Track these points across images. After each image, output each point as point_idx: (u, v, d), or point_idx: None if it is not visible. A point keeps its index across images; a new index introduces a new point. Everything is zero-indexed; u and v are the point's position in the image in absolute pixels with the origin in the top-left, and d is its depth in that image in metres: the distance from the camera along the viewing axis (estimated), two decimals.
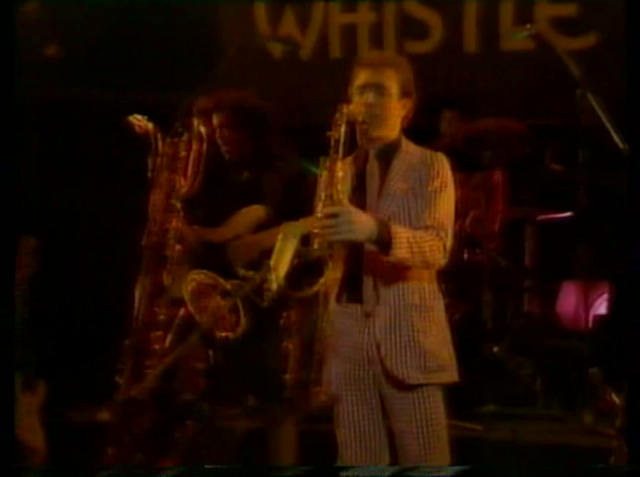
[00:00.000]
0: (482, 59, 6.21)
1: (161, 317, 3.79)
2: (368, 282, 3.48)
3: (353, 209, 3.34)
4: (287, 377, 3.32)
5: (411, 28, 6.35)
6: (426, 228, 3.44)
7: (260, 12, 6.58)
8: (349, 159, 3.63)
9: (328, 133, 3.40)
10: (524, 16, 5.98)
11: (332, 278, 3.38)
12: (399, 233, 3.34)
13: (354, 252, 3.47)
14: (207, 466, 3.25)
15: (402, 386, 3.47)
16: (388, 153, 3.57)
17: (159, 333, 3.75)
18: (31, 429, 4.80)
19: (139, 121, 3.95)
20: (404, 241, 3.34)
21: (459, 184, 5.78)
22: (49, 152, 6.01)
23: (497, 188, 5.93)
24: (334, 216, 3.28)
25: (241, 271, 3.30)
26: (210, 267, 3.80)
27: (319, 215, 3.30)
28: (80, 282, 5.91)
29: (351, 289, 3.50)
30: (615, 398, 3.19)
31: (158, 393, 3.64)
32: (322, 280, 3.22)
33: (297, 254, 3.22)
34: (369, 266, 3.47)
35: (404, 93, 3.58)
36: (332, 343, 3.49)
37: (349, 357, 3.51)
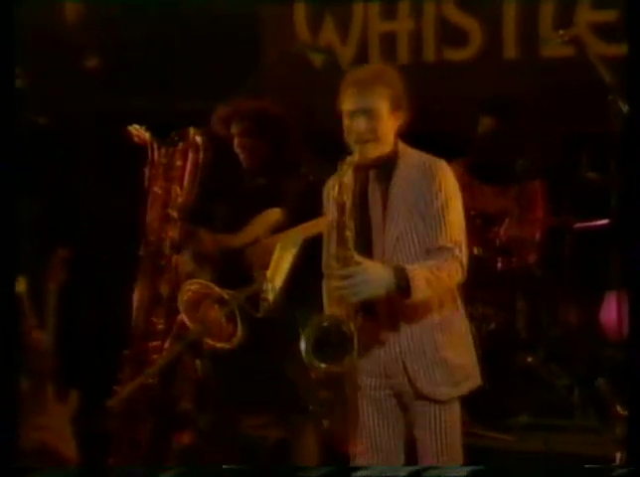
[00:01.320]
0: (521, 65, 6.18)
1: (159, 327, 3.83)
2: (383, 304, 3.44)
3: (366, 266, 3.32)
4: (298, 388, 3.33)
5: (451, 35, 6.34)
6: (439, 248, 3.42)
7: (300, 20, 6.63)
8: (350, 182, 3.53)
9: (333, 198, 3.40)
10: (564, 21, 5.94)
11: None
12: (416, 276, 3.32)
13: None
14: (211, 466, 3.28)
15: (434, 401, 3.49)
16: (386, 170, 3.53)
17: (157, 343, 3.79)
18: (63, 439, 4.87)
19: (137, 131, 4.00)
20: (423, 283, 3.34)
21: (495, 193, 5.89)
22: (85, 163, 6.12)
23: (536, 196, 5.91)
24: (349, 276, 3.27)
25: (259, 274, 3.32)
26: (229, 272, 3.85)
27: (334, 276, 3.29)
28: (112, 292, 6.00)
29: (371, 306, 3.46)
30: (620, 409, 3.16)
31: (155, 401, 3.68)
32: (351, 355, 3.19)
33: (296, 264, 3.23)
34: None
35: (396, 107, 3.54)
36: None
37: (367, 371, 3.52)
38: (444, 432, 3.47)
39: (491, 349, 5.57)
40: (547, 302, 5.84)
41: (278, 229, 4.32)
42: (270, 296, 3.15)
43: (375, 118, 3.47)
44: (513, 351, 5.53)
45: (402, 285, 3.30)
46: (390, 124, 3.52)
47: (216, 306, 3.21)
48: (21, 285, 4.55)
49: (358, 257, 3.31)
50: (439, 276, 3.36)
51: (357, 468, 3.49)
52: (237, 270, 3.97)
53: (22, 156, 4.87)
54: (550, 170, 5.74)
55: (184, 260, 4.28)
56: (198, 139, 4.06)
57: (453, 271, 3.41)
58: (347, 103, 3.49)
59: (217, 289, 3.26)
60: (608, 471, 3.38)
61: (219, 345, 3.30)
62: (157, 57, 6.27)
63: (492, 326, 5.66)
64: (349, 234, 3.32)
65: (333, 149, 3.58)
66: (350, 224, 3.33)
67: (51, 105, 5.68)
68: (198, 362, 3.82)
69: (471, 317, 5.57)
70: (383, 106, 3.48)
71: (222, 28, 6.35)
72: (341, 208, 3.36)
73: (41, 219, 5.21)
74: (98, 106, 6.17)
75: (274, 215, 4.41)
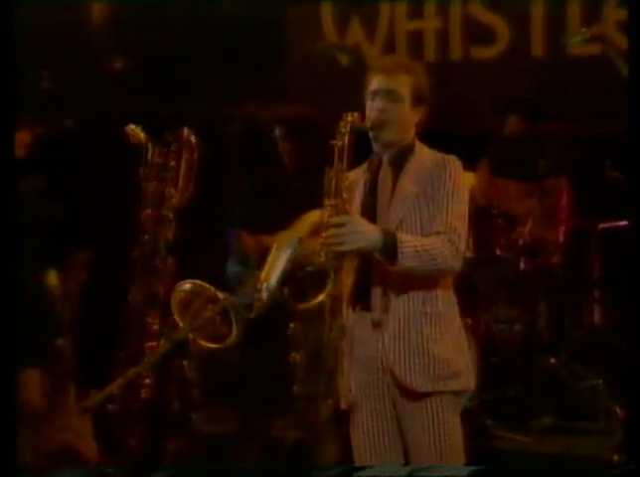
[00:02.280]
0: (548, 63, 6.17)
1: (155, 327, 3.87)
2: (377, 291, 3.51)
3: (358, 218, 3.40)
4: (295, 389, 3.36)
5: (478, 33, 6.34)
6: (438, 233, 3.45)
7: (327, 20, 6.66)
8: (364, 166, 3.70)
9: (332, 142, 3.46)
10: (591, 19, 5.92)
11: (342, 288, 3.44)
12: (405, 241, 3.37)
13: (364, 261, 3.51)
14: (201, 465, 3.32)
15: (413, 394, 3.49)
16: (400, 158, 3.60)
17: (153, 344, 3.83)
18: (84, 439, 4.94)
19: (133, 131, 4.06)
20: (411, 251, 3.37)
21: (520, 192, 5.87)
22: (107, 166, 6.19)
23: (561, 197, 5.89)
24: (339, 226, 3.34)
25: (253, 274, 3.36)
26: None
27: (325, 225, 3.37)
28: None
29: (362, 298, 3.54)
30: (618, 411, 3.14)
31: (151, 403, 3.72)
32: (325, 292, 3.27)
33: (294, 265, 3.27)
34: (378, 275, 3.50)
35: (418, 100, 3.61)
36: (348, 351, 3.53)
37: (364, 366, 3.55)
38: (438, 434, 3.48)
39: (514, 350, 5.59)
40: (570, 303, 5.82)
41: (318, 230, 4.38)
42: (264, 297, 3.18)
43: (396, 101, 3.54)
44: (536, 352, 5.51)
45: (390, 248, 3.33)
46: (410, 114, 3.59)
47: (209, 306, 3.24)
48: (52, 278, 4.60)
49: (350, 209, 3.40)
50: (431, 252, 3.38)
51: (359, 468, 3.51)
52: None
53: (46, 159, 5.00)
54: (575, 170, 5.71)
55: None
56: (192, 139, 4.10)
57: (447, 253, 3.42)
58: (371, 85, 3.59)
59: (211, 289, 3.29)
60: (609, 470, 3.35)
61: (212, 346, 3.32)
62: (182, 59, 6.32)
63: (517, 327, 5.66)
64: (344, 183, 3.39)
65: (362, 150, 3.63)
66: (345, 174, 3.40)
67: (76, 108, 5.76)
68: (185, 362, 3.85)
69: (495, 319, 5.69)
70: (405, 92, 3.56)
71: (247, 29, 6.39)
72: (339, 153, 3.42)
73: (63, 221, 5.28)
74: (122, 109, 6.23)
75: (315, 216, 4.45)
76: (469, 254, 5.52)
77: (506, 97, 6.00)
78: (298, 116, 4.60)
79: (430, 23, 6.48)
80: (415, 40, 6.51)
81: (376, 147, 3.65)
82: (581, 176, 5.80)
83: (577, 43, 5.43)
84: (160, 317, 3.89)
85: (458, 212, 3.50)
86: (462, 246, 3.48)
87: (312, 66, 6.30)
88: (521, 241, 5.60)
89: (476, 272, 5.53)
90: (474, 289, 5.57)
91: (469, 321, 5.50)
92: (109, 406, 3.84)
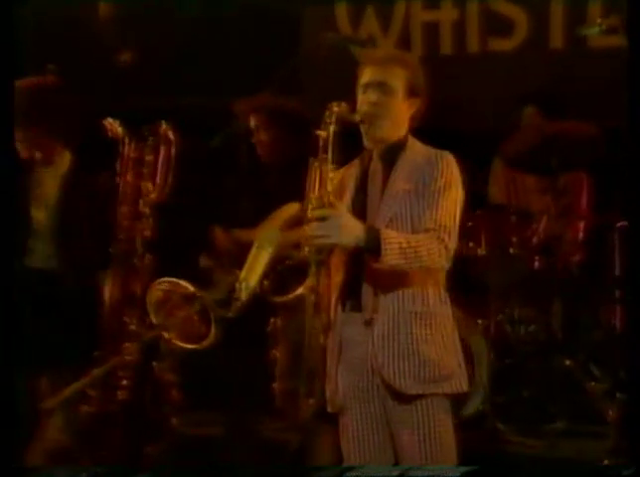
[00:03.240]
0: (568, 55, 6.06)
1: (132, 327, 3.82)
2: (368, 289, 3.44)
3: (342, 212, 3.33)
4: (275, 386, 3.30)
5: (496, 25, 6.25)
6: (426, 230, 3.39)
7: (341, 11, 6.60)
8: (356, 161, 3.64)
9: (317, 132, 3.39)
10: (613, 11, 5.80)
11: (328, 284, 3.38)
12: (389, 238, 3.30)
13: (354, 258, 3.45)
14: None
15: (403, 397, 3.41)
16: (392, 153, 3.53)
17: (130, 344, 3.78)
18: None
19: (111, 125, 4.01)
20: (396, 247, 3.29)
21: (537, 188, 5.77)
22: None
23: (580, 192, 5.79)
24: (322, 219, 3.27)
25: (231, 273, 3.31)
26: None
27: (308, 218, 3.31)
28: None
29: (352, 297, 3.48)
30: (611, 413, 3.07)
31: (130, 406, 3.68)
32: (304, 285, 3.21)
33: (275, 262, 3.21)
34: (369, 273, 3.43)
35: (411, 93, 3.53)
36: (337, 352, 3.48)
37: (353, 367, 3.48)
38: (428, 438, 3.40)
39: (529, 351, 5.49)
40: (587, 303, 5.70)
41: (296, 223, 4.30)
42: (243, 296, 3.12)
43: (388, 94, 3.48)
44: (551, 354, 5.41)
45: (374, 244, 3.27)
46: (403, 109, 3.52)
47: (186, 306, 3.18)
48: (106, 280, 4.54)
49: (335, 201, 3.33)
50: (417, 249, 3.31)
51: (349, 467, 3.45)
52: None
53: None
54: (593, 165, 5.60)
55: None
56: (170, 134, 4.04)
57: (434, 251, 3.34)
58: (363, 77, 3.52)
59: (188, 288, 3.23)
60: (610, 471, 3.28)
61: (189, 346, 3.26)
62: (190, 54, 6.29)
63: (531, 328, 5.56)
64: (328, 175, 3.34)
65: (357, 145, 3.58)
66: (330, 165, 3.34)
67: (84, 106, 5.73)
68: (156, 364, 3.79)
69: (509, 319, 5.59)
70: (398, 85, 3.49)
71: (259, 24, 6.35)
72: (324, 144, 3.36)
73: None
74: (131, 105, 6.21)
75: (292, 209, 4.39)
76: (481, 252, 5.47)
77: (523, 90, 5.90)
78: (274, 106, 4.51)
79: (447, 14, 6.40)
80: (432, 32, 6.43)
81: (367, 142, 3.58)
82: (600, 172, 5.69)
83: (593, 34, 5.33)
84: (138, 317, 3.83)
85: (448, 209, 3.43)
86: (451, 244, 3.40)
87: (325, 59, 6.21)
88: (535, 239, 5.51)
89: (488, 271, 5.45)
90: (486, 288, 5.48)
91: (480, 321, 5.44)
92: (85, 408, 3.80)
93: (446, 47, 6.39)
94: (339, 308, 3.49)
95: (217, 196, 4.99)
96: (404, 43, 6.45)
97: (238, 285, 3.10)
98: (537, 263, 5.50)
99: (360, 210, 3.49)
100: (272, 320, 3.43)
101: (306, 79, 6.43)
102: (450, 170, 3.47)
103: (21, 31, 5.62)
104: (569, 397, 5.32)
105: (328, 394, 3.48)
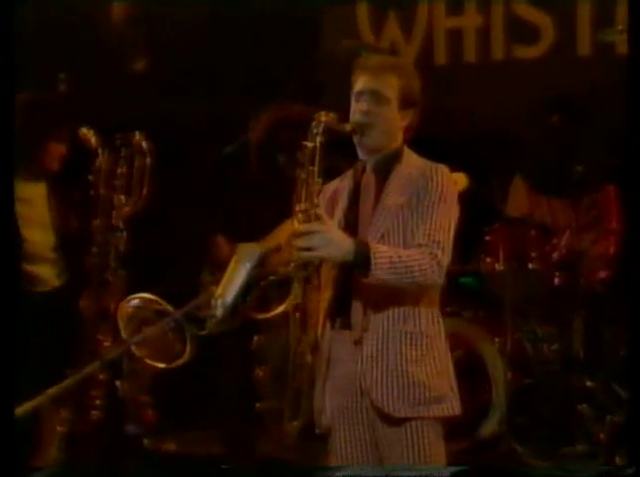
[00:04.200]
0: (595, 62, 5.93)
1: (106, 344, 3.76)
2: (357, 307, 3.36)
3: (328, 225, 3.26)
4: (259, 406, 3.22)
5: (521, 31, 6.14)
6: (419, 245, 3.29)
7: (363, 18, 6.52)
8: (348, 173, 3.56)
9: (303, 143, 3.32)
10: None
11: (315, 301, 3.31)
12: (379, 252, 3.22)
13: (344, 274, 3.36)
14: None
15: (392, 420, 3.32)
16: (386, 165, 3.45)
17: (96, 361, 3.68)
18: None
19: (85, 134, 3.95)
20: (386, 262, 3.21)
21: (557, 201, 5.63)
22: None
23: (609, 206, 5.63)
24: (308, 233, 3.20)
25: (206, 288, 3.22)
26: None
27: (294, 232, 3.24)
28: None
29: (341, 314, 3.39)
30: (602, 436, 2.96)
31: (103, 426, 3.62)
32: (286, 302, 3.14)
33: (258, 278, 3.14)
34: (358, 289, 3.34)
35: (406, 103, 3.44)
36: (324, 371, 3.40)
37: (341, 388, 3.39)
38: (419, 462, 3.31)
39: (549, 371, 5.36)
40: (611, 322, 5.55)
41: None
42: (219, 313, 3.04)
43: (380, 103, 3.39)
44: (572, 374, 5.28)
45: (362, 259, 3.18)
46: (396, 119, 3.44)
47: (159, 323, 3.11)
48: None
49: (322, 214, 3.26)
50: (408, 265, 3.23)
51: (336, 467, 3.37)
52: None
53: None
54: (619, 179, 5.46)
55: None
56: (144, 144, 3.97)
57: (426, 267, 3.25)
58: (356, 85, 3.45)
59: (162, 304, 3.15)
60: (610, 472, 3.19)
61: (161, 365, 3.18)
62: (205, 58, 6.25)
63: (553, 347, 5.43)
64: (315, 188, 3.26)
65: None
66: (318, 178, 3.27)
67: (97, 110, 5.72)
68: (118, 383, 3.72)
69: (530, 337, 5.45)
70: (391, 95, 3.40)
71: (279, 28, 6.28)
72: (311, 155, 3.29)
73: None
74: (147, 111, 6.18)
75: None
76: (499, 267, 5.35)
77: (549, 99, 5.77)
78: (294, 116, 4.45)
79: (471, 20, 6.30)
80: (455, 38, 6.34)
81: (360, 153, 3.51)
82: (627, 185, 5.53)
83: (615, 40, 5.20)
84: (112, 334, 3.76)
85: (442, 224, 3.33)
86: (445, 260, 3.31)
87: (343, 66, 6.13)
88: (556, 255, 5.37)
89: (506, 286, 5.33)
90: (503, 304, 5.37)
91: (497, 339, 5.33)
92: (59, 428, 3.74)
93: (470, 54, 6.30)
94: (328, 326, 3.40)
95: (220, 207, 4.93)
96: (427, 49, 6.37)
97: (213, 302, 3.01)
98: (557, 279, 5.37)
99: (351, 224, 3.42)
100: (257, 338, 3.35)
101: (324, 85, 6.35)
102: (445, 183, 3.38)
103: (23, 32, 5.66)
104: (591, 419, 5.18)
105: (315, 414, 3.40)
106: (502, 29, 6.21)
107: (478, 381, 5.30)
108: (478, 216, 5.40)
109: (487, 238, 5.41)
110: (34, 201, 4.14)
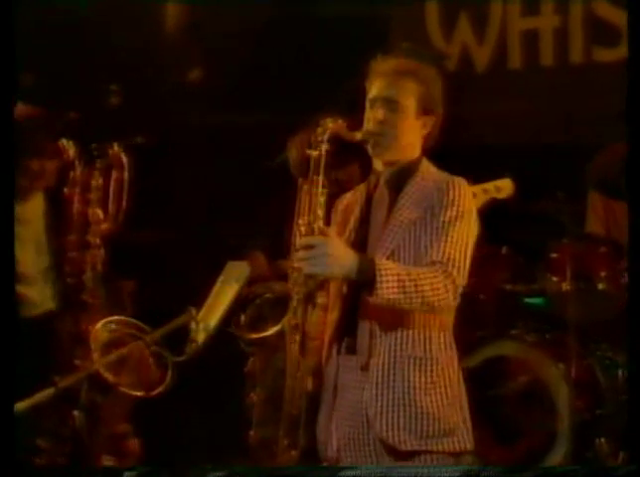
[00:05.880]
0: None
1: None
2: (363, 329, 3.20)
3: (331, 239, 3.09)
4: (252, 434, 3.06)
5: (602, 32, 5.87)
6: (432, 263, 3.12)
7: (433, 20, 6.33)
8: (361, 186, 3.41)
9: (307, 151, 3.18)
10: None
11: (317, 322, 3.15)
12: (386, 269, 3.04)
13: (351, 293, 3.21)
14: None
15: (398, 453, 3.16)
16: (401, 178, 3.29)
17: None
18: None
19: (63, 146, 3.81)
20: (394, 280, 3.03)
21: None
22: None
23: None
24: (309, 247, 3.04)
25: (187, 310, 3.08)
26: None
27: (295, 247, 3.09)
28: None
29: (347, 337, 3.24)
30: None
31: (81, 458, 3.50)
32: (282, 321, 2.98)
33: (253, 296, 2.99)
34: (365, 310, 3.18)
35: (425, 110, 3.29)
36: (331, 400, 3.24)
37: (348, 418, 3.23)
38: None
39: (624, 401, 5.07)
40: None
41: None
42: (200, 338, 2.88)
43: (397, 111, 3.25)
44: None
45: (368, 276, 3.01)
46: (414, 128, 3.29)
47: (136, 348, 2.95)
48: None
49: (325, 228, 3.13)
50: (419, 283, 3.04)
51: (345, 468, 3.20)
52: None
53: None
54: None
55: None
56: (122, 157, 3.80)
57: (440, 286, 3.07)
58: (371, 91, 3.31)
59: (140, 327, 2.98)
60: (611, 471, 3.01)
61: (138, 394, 3.03)
62: (261, 66, 6.15)
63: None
64: (319, 199, 3.14)
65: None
66: (323, 189, 3.15)
67: (148, 123, 5.67)
68: (76, 413, 3.57)
69: (608, 362, 5.16)
70: (409, 103, 3.26)
71: (344, 31, 6.13)
72: (315, 165, 3.17)
73: None
74: (200, 123, 6.10)
75: None
76: (566, 287, 5.09)
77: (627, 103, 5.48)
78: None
79: (548, 21, 6.05)
80: (531, 40, 6.11)
81: (376, 164, 3.36)
82: None
83: None
84: (89, 359, 3.62)
85: (458, 241, 3.16)
86: (459, 280, 3.13)
87: None
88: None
89: (573, 308, 5.06)
90: (570, 327, 5.09)
91: (562, 365, 5.06)
92: (37, 461, 3.63)
93: (547, 57, 6.05)
94: (334, 349, 3.25)
95: (260, 222, 4.81)
96: (501, 52, 6.16)
97: (194, 326, 2.85)
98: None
99: (361, 239, 3.28)
100: (251, 360, 3.18)
101: None
102: (462, 198, 3.21)
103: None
104: None
105: (319, 445, 3.24)
106: (581, 30, 5.95)
107: (543, 410, 5.07)
108: (543, 231, 5.19)
109: (553, 255, 5.14)
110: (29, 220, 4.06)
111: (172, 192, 5.90)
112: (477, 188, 4.75)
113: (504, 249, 5.37)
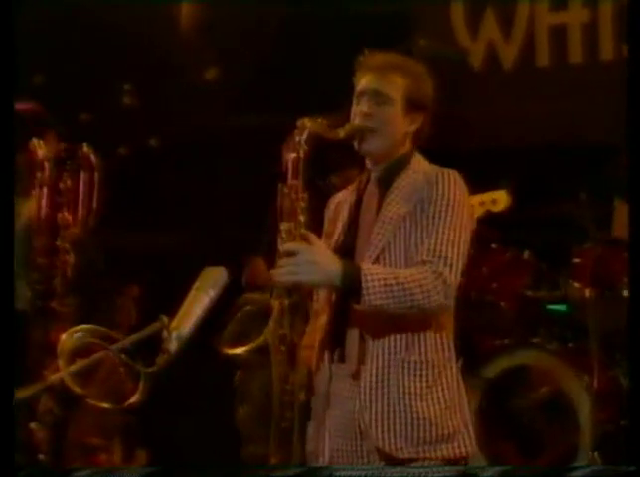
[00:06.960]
0: None
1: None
2: (352, 335, 3.09)
3: (314, 246, 3.00)
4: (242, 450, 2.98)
5: None
6: (423, 262, 3.01)
7: (458, 16, 6.23)
8: (352, 185, 3.32)
9: (286, 155, 3.09)
10: None
11: (305, 332, 3.07)
12: (372, 275, 2.95)
13: (340, 299, 3.10)
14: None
15: (394, 462, 3.04)
16: (390, 174, 3.19)
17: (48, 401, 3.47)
18: None
19: (34, 146, 3.73)
20: (380, 285, 2.93)
21: None
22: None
23: None
24: (291, 255, 2.96)
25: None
26: None
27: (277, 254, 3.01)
28: None
29: (337, 345, 3.13)
30: None
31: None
32: (265, 333, 2.90)
33: (232, 309, 2.91)
34: (354, 316, 3.07)
35: (414, 106, 3.17)
36: (321, 411, 3.14)
37: (340, 429, 3.12)
38: None
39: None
40: None
41: None
42: (172, 347, 2.79)
43: (383, 105, 3.16)
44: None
45: (352, 283, 2.93)
46: (402, 123, 3.19)
47: (104, 359, 2.87)
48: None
49: (307, 234, 3.02)
50: (407, 286, 2.95)
51: (336, 468, 3.08)
52: None
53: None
54: None
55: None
56: (92, 158, 3.71)
57: (430, 288, 2.96)
58: (358, 86, 3.22)
59: (114, 336, 2.89)
60: (611, 471, 2.93)
61: (107, 406, 2.94)
62: (276, 67, 6.09)
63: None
64: (299, 203, 3.05)
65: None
66: (303, 193, 3.05)
67: (162, 125, 5.63)
68: (34, 425, 3.49)
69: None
70: (396, 97, 3.16)
71: (367, 30, 6.04)
72: (294, 168, 3.07)
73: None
74: (215, 124, 6.04)
75: None
76: (589, 294, 4.97)
77: None
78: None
79: (577, 16, 5.95)
80: (559, 36, 6.00)
81: (367, 162, 3.26)
82: None
83: None
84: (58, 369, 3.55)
85: (450, 237, 3.04)
86: (452, 279, 3.00)
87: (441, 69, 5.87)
88: None
89: (596, 315, 4.94)
90: (592, 336, 4.97)
91: (586, 376, 4.93)
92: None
93: (576, 54, 5.95)
94: (325, 358, 3.15)
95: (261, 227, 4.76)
96: (528, 49, 6.05)
97: (166, 335, 2.76)
98: None
99: (350, 240, 3.17)
100: (238, 373, 3.10)
101: None
102: (453, 191, 3.09)
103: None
104: None
105: (308, 457, 3.15)
106: (611, 25, 5.82)
107: (565, 422, 4.95)
108: (566, 236, 5.08)
109: (576, 260, 5.03)
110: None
111: (184, 193, 5.86)
112: (474, 200, 4.68)
113: (525, 255, 5.29)
